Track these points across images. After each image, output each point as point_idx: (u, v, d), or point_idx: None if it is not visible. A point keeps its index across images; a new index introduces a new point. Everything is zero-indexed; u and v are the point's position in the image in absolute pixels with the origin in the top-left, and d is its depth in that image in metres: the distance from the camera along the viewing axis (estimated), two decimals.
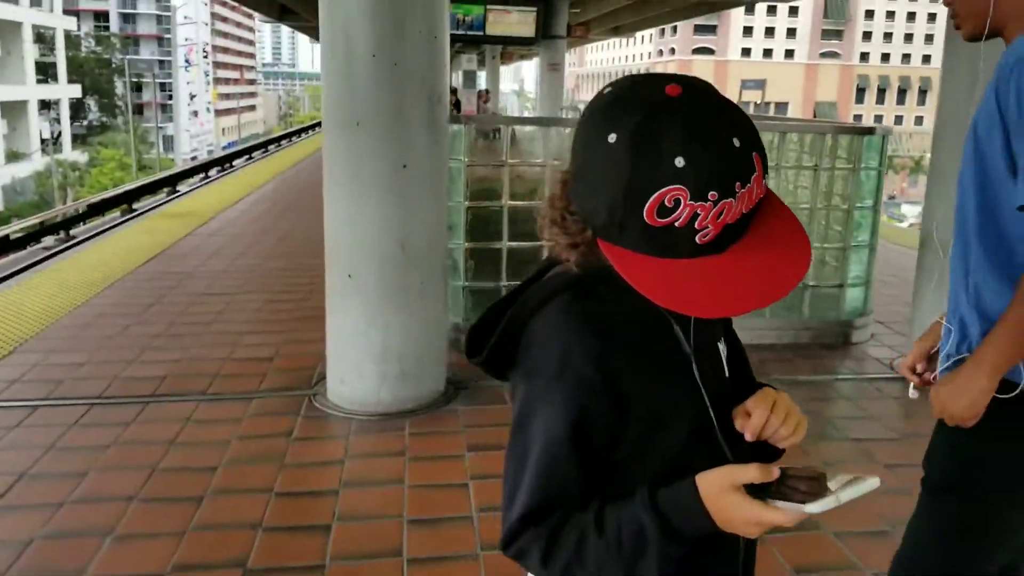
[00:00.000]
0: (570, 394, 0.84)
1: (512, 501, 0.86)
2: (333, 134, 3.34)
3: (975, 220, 1.32)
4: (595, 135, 0.78)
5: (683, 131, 0.74)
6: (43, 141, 54.13)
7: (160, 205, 11.65)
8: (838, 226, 4.85)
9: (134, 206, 16.64)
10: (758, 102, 69.65)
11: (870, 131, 4.76)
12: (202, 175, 20.79)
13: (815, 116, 79.26)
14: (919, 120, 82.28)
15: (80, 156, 57.34)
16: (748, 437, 0.88)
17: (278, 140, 35.04)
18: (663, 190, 0.74)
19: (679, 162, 0.73)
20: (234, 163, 25.73)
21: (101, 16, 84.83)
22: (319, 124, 47.67)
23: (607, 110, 0.79)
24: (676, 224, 0.75)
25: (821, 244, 4.85)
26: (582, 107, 9.12)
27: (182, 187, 17.60)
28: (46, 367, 3.90)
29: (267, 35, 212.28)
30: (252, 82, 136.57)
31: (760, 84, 59.35)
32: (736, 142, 0.74)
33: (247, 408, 3.46)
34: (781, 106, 78.70)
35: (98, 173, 50.52)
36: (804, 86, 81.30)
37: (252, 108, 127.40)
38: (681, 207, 0.74)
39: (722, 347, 0.99)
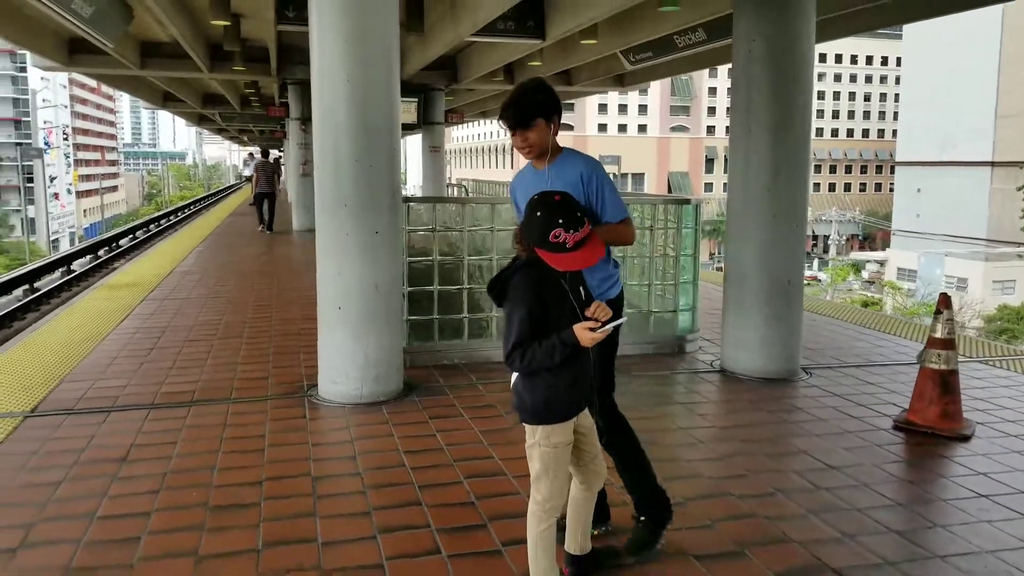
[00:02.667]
0: (527, 303, 2.48)
1: (510, 342, 2.50)
2: (326, 212, 4.94)
3: None
4: (530, 213, 2.47)
5: (561, 211, 2.43)
6: None
7: (102, 278, 12.52)
8: (670, 269, 6.79)
9: (35, 285, 17.09)
10: (617, 174, 74.79)
11: (687, 201, 6.77)
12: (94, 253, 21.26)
13: (669, 185, 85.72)
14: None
15: None
16: (589, 313, 2.55)
17: (165, 216, 35.41)
18: (555, 230, 2.41)
19: (560, 222, 2.41)
20: (120, 242, 26.09)
21: None
22: (205, 198, 47.32)
23: (536, 204, 2.49)
24: (559, 241, 2.41)
25: (661, 281, 6.75)
26: (463, 182, 11.31)
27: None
28: (98, 390, 5.17)
29: (126, 115, 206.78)
30: (114, 163, 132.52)
31: (616, 159, 64.20)
32: (579, 214, 2.44)
33: (266, 405, 4.90)
34: (638, 176, 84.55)
35: None
36: (658, 158, 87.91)
37: (115, 188, 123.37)
38: (561, 236, 2.42)
39: (583, 289, 2.66)
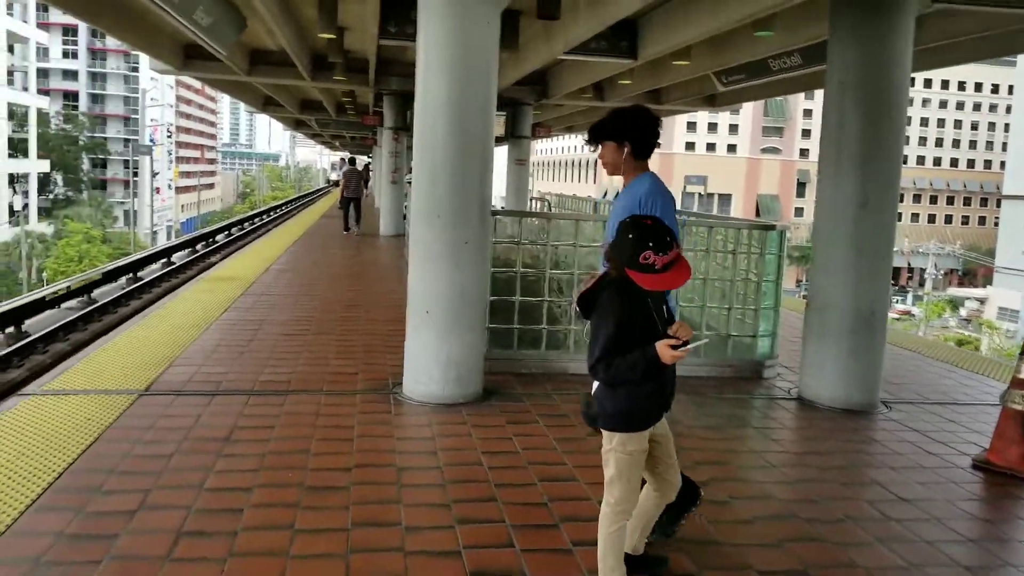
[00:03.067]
0: (615, 318, 2.63)
1: (595, 354, 2.65)
2: (420, 220, 5.24)
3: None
4: (622, 234, 2.62)
5: (652, 234, 2.58)
6: (12, 213, 54.87)
7: (201, 272, 13.30)
8: (752, 294, 6.83)
9: (138, 275, 18.16)
10: (703, 193, 73.68)
11: (771, 227, 6.81)
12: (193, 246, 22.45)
13: (757, 208, 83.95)
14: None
15: (47, 228, 57.98)
16: (672, 331, 2.68)
17: (259, 215, 36.99)
18: (645, 252, 2.56)
19: (650, 245, 2.55)
20: (216, 238, 27.35)
21: (71, 96, 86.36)
22: (296, 199, 49.02)
23: (628, 226, 2.64)
24: (649, 262, 2.56)
25: (742, 306, 6.80)
26: (547, 197, 11.58)
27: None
28: (203, 374, 5.60)
29: (226, 116, 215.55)
30: (212, 161, 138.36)
31: (702, 179, 63.27)
32: (668, 239, 2.57)
33: (355, 399, 5.21)
34: (725, 198, 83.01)
35: (64, 244, 51.15)
36: (747, 179, 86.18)
37: (211, 186, 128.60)
38: (651, 258, 2.56)
39: (665, 308, 2.82)
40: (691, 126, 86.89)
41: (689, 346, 2.57)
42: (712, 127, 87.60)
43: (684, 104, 20.42)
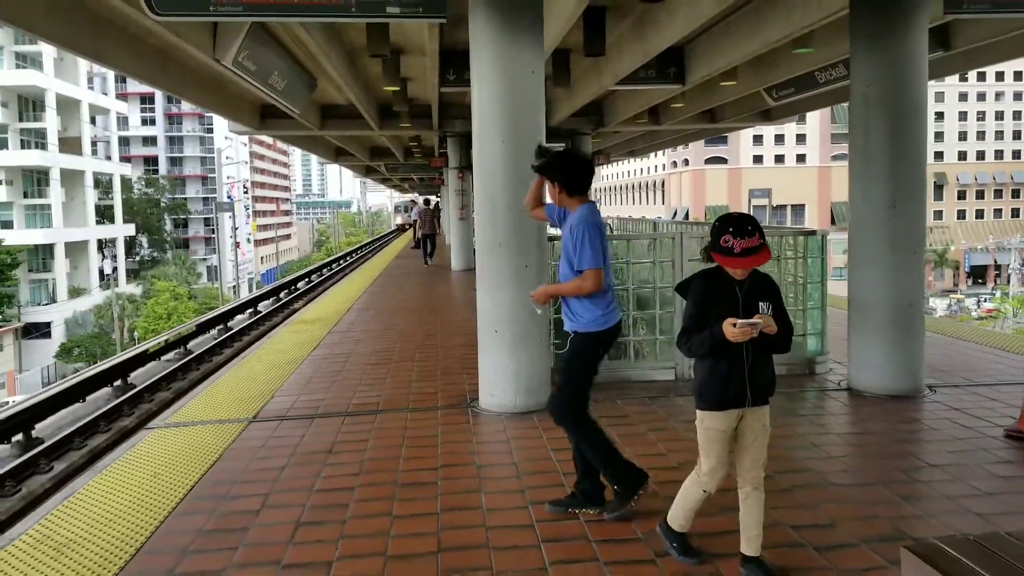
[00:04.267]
0: (696, 299, 3.06)
1: (683, 328, 3.12)
2: (484, 250, 5.86)
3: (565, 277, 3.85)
4: (713, 224, 3.05)
5: (732, 222, 2.96)
6: (102, 276, 58.33)
7: (287, 317, 14.32)
8: (800, 296, 7.19)
9: (228, 324, 19.37)
10: (775, 205, 72.59)
11: (813, 232, 7.18)
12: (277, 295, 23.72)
13: (832, 216, 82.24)
14: (938, 214, 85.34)
15: (135, 289, 61.17)
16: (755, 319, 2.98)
17: (335, 260, 38.58)
18: (725, 236, 2.94)
19: (731, 230, 2.93)
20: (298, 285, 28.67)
21: (151, 160, 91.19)
22: (369, 243, 50.38)
23: (716, 224, 3.03)
24: (728, 246, 2.94)
25: (793, 307, 7.15)
26: (609, 222, 12.07)
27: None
28: (302, 402, 6.30)
29: (298, 168, 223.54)
30: (287, 213, 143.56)
31: (766, 192, 62.54)
32: (749, 227, 2.93)
33: (437, 414, 5.81)
34: (798, 208, 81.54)
35: (153, 303, 53.74)
36: (819, 188, 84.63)
37: (288, 237, 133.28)
38: (730, 241, 2.93)
39: (763, 305, 3.01)
40: (757, 139, 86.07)
41: (747, 321, 2.86)
42: (779, 139, 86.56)
43: (740, 120, 20.74)
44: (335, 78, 11.76)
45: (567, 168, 3.92)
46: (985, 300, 64.36)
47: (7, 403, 16.75)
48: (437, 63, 10.95)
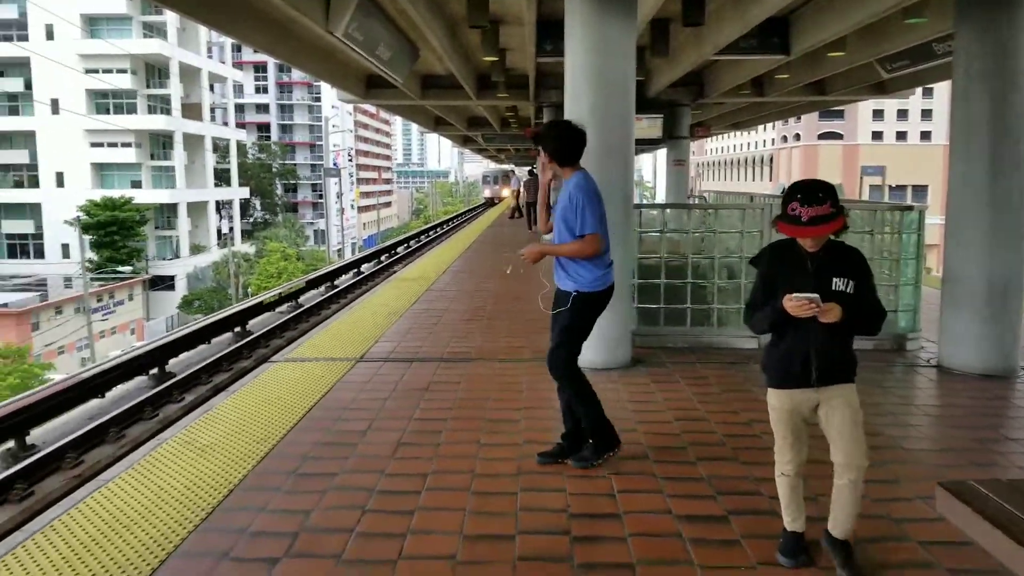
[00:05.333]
0: (761, 269, 2.97)
1: (748, 300, 3.05)
2: None
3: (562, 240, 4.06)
4: (783, 195, 2.83)
5: (802, 189, 2.75)
6: (219, 235, 61.71)
7: (387, 277, 15.19)
8: (892, 271, 7.23)
9: (335, 283, 20.45)
10: (894, 185, 68.99)
11: (910, 208, 7.20)
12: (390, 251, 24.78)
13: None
14: None
15: (249, 248, 64.40)
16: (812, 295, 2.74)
17: (433, 228, 39.71)
18: (792, 203, 2.74)
19: (799, 197, 2.72)
20: (397, 250, 29.74)
21: (264, 127, 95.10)
22: (465, 213, 51.37)
23: (785, 191, 2.85)
24: (795, 214, 2.72)
25: (887, 283, 7.19)
26: (705, 196, 12.48)
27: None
28: (402, 348, 6.89)
29: (399, 138, 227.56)
30: (388, 181, 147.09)
31: (879, 170, 59.62)
32: (820, 194, 2.71)
33: (524, 365, 6.27)
34: (920, 188, 77.38)
35: (265, 263, 56.44)
36: (944, 167, 79.76)
37: (388, 204, 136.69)
38: (797, 209, 2.72)
39: (840, 281, 2.77)
40: (877, 115, 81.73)
41: (804, 295, 2.68)
42: (902, 114, 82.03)
43: (851, 93, 20.08)
44: (436, 48, 12.25)
45: (558, 137, 4.08)
46: None
47: (134, 347, 18.47)
48: (535, 33, 11.25)
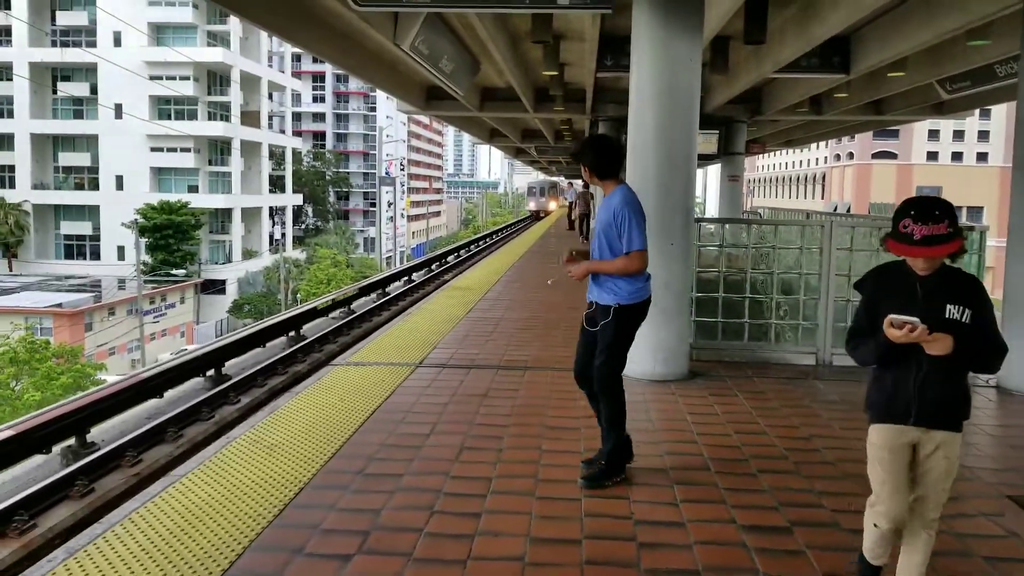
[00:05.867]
0: (865, 293, 2.70)
1: (851, 328, 2.75)
2: None
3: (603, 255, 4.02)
4: (896, 211, 2.54)
5: (913, 206, 2.47)
6: (272, 241, 62.99)
7: (442, 284, 15.43)
8: None
9: (387, 290, 20.76)
10: None
11: (971, 228, 7.10)
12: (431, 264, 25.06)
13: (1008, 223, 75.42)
14: None
15: (300, 254, 65.54)
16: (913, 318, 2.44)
17: (483, 238, 40.05)
18: (905, 220, 2.46)
19: (912, 213, 2.45)
20: (447, 259, 30.04)
21: (319, 136, 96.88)
22: (515, 223, 51.26)
23: (899, 207, 2.56)
24: (907, 231, 2.45)
25: None
26: (760, 212, 12.43)
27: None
28: (460, 354, 7.02)
29: (450, 148, 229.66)
30: (439, 191, 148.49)
31: (936, 190, 58.42)
32: (936, 212, 2.43)
33: None
34: (975, 210, 75.60)
35: (315, 269, 57.33)
36: (1001, 190, 78.12)
37: (438, 214, 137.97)
38: (909, 227, 2.45)
39: (954, 308, 2.48)
40: (933, 135, 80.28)
41: (902, 317, 2.44)
42: (958, 135, 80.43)
43: (909, 113, 19.81)
44: (498, 62, 12.44)
45: (597, 151, 4.11)
46: None
47: (185, 350, 19.01)
48: (596, 49, 11.36)
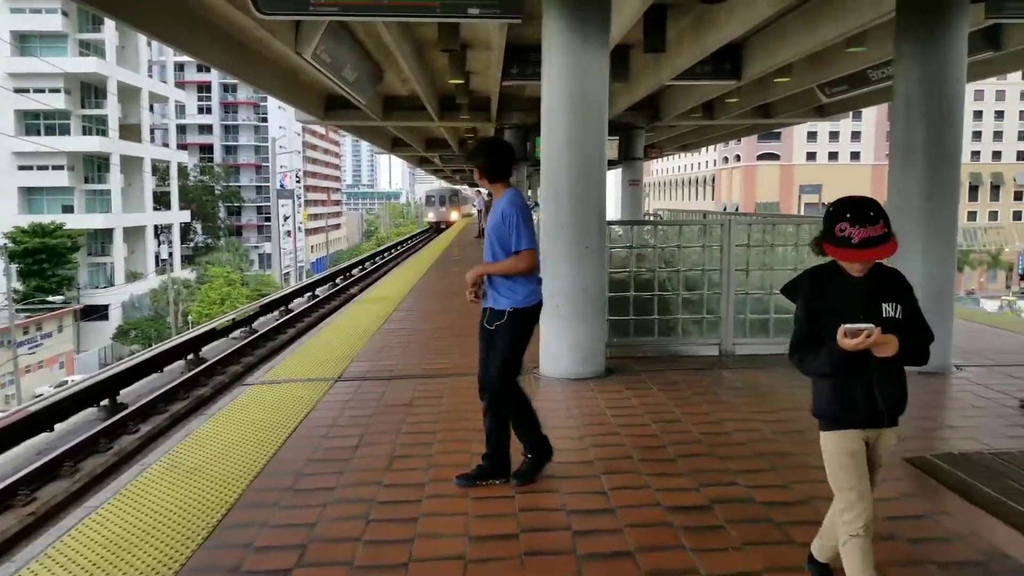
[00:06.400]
0: (804, 301, 2.56)
1: (793, 338, 2.59)
2: (549, 232, 6.44)
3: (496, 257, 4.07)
4: (828, 214, 2.48)
5: (848, 209, 2.41)
6: (158, 261, 60.21)
7: (359, 292, 15.16)
8: None
9: (290, 307, 20.29)
10: (825, 204, 71.94)
11: None
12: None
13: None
14: (993, 215, 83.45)
15: (190, 274, 62.81)
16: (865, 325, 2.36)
17: (387, 249, 39.63)
18: (841, 223, 2.39)
19: (848, 216, 2.39)
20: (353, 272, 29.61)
21: (206, 148, 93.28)
22: (417, 235, 50.35)
23: (830, 210, 2.49)
24: (844, 235, 2.38)
25: None
26: (660, 214, 12.94)
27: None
28: (379, 366, 6.99)
29: (348, 159, 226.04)
30: (337, 203, 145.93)
31: (817, 188, 62.11)
32: (871, 213, 2.38)
33: None
34: None
35: (208, 288, 55.04)
36: (872, 185, 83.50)
37: (337, 226, 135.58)
38: (847, 230, 2.38)
39: (889, 306, 2.47)
40: (811, 136, 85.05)
41: (857, 326, 2.37)
42: (833, 136, 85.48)
43: (793, 116, 20.98)
44: (404, 70, 12.46)
45: (490, 154, 4.11)
46: None
47: (67, 381, 17.99)
48: (502, 58, 11.54)
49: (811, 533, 3.35)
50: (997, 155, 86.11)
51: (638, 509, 3.74)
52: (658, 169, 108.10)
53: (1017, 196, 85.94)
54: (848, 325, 2.36)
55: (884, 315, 2.47)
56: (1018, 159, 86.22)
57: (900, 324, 2.48)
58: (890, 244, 2.40)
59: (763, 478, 4.12)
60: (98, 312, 50.52)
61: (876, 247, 2.38)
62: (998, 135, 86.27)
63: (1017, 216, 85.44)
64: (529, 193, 29.59)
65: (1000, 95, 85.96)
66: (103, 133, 54.78)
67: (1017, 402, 5.38)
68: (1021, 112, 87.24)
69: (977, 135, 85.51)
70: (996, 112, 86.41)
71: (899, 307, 2.50)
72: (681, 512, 3.69)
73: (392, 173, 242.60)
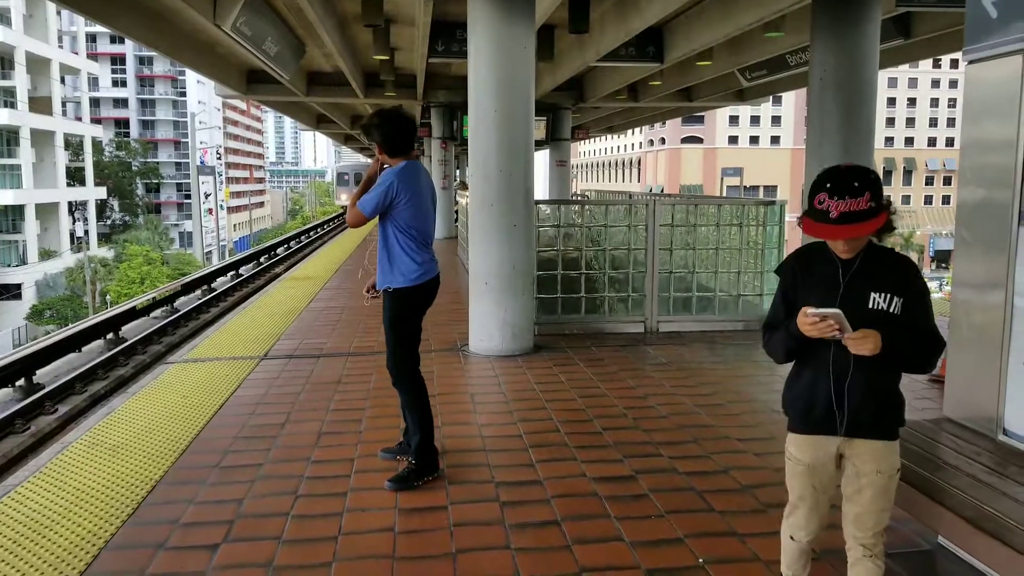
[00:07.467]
0: (781, 281, 2.30)
1: (766, 319, 2.34)
2: (477, 209, 6.48)
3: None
4: (812, 184, 2.10)
5: (829, 177, 2.04)
6: (73, 239, 57.73)
7: (285, 272, 14.83)
8: (757, 260, 7.89)
9: (212, 285, 19.77)
10: (748, 186, 74.02)
11: (772, 202, 7.89)
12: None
13: (804, 196, 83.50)
14: (906, 199, 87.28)
15: (107, 252, 60.58)
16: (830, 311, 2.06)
17: (313, 228, 38.82)
18: (820, 194, 2.03)
19: (828, 187, 2.01)
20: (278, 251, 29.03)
21: (122, 123, 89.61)
22: (336, 217, 49.26)
23: (815, 179, 2.10)
24: (823, 208, 2.02)
25: (746, 271, 7.85)
26: (587, 195, 13.21)
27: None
28: (307, 345, 6.93)
29: (271, 135, 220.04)
30: (260, 180, 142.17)
31: (738, 171, 63.93)
32: (856, 184, 1.99)
33: (432, 356, 6.45)
34: (771, 188, 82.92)
35: (126, 267, 53.37)
36: (791, 169, 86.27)
37: (261, 205, 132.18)
38: (825, 203, 2.01)
39: (880, 297, 2.10)
40: (733, 120, 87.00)
41: (819, 311, 2.07)
42: (754, 120, 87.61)
43: (715, 100, 21.39)
44: (327, 45, 12.20)
45: (387, 127, 3.81)
46: (946, 284, 66.38)
47: None
48: (427, 34, 11.43)
49: (731, 501, 3.57)
50: (910, 141, 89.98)
51: (565, 480, 3.85)
52: (585, 151, 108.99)
53: (928, 181, 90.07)
54: (811, 309, 2.08)
55: (871, 306, 2.13)
56: (929, 145, 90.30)
57: (892, 320, 2.12)
58: (877, 219, 2.04)
59: (685, 449, 4.28)
60: (10, 291, 48.26)
61: (858, 223, 2.03)
62: (911, 122, 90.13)
63: (928, 200, 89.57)
64: (458, 173, 29.42)
65: (912, 82, 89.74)
66: (11, 106, 51.92)
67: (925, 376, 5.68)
68: (932, 99, 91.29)
69: (891, 121, 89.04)
70: (908, 99, 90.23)
71: (897, 301, 2.13)
72: (607, 482, 3.81)
73: (317, 150, 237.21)
